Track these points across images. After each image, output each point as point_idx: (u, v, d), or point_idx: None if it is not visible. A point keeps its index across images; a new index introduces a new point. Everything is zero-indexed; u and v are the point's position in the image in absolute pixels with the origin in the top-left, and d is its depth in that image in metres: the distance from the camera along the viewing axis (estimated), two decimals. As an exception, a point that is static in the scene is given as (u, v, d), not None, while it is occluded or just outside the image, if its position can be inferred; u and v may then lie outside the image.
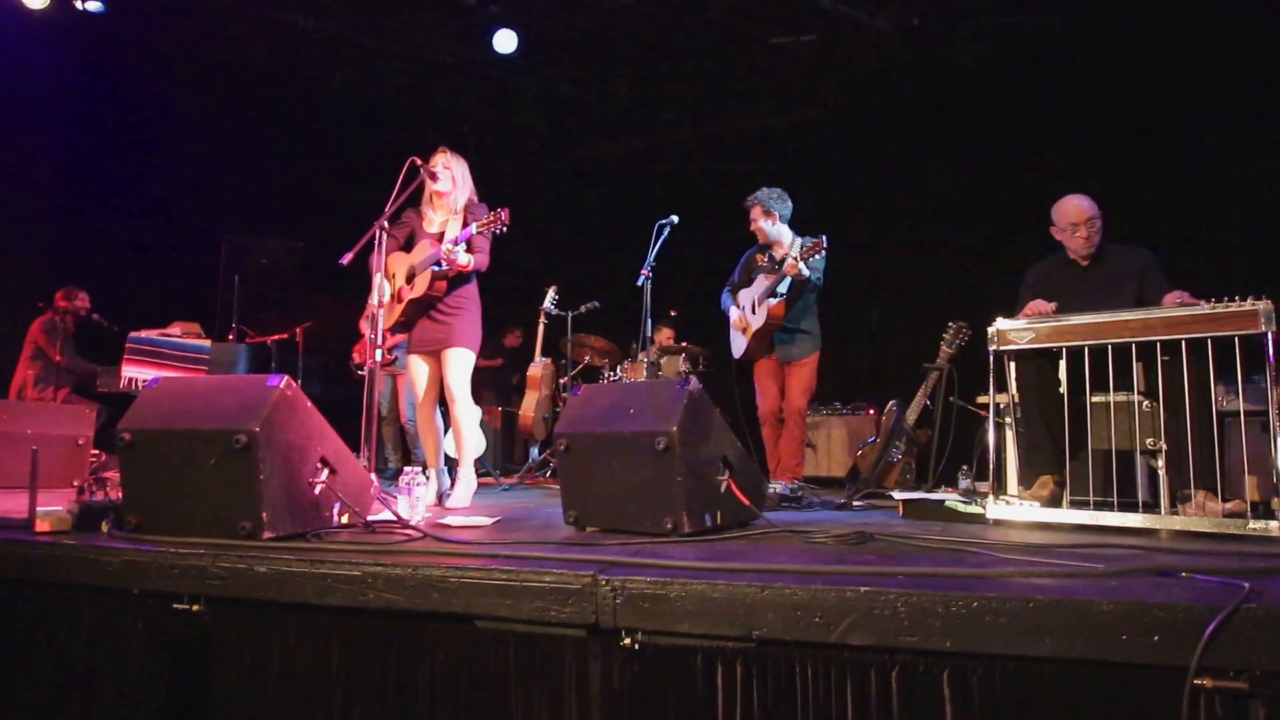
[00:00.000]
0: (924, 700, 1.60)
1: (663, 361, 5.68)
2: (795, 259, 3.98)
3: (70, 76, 6.36)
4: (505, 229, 3.38)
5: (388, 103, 7.14)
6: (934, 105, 6.40)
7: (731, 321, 4.43)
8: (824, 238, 3.98)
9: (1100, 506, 2.69)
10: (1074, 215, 3.24)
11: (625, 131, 7.58)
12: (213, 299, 6.17)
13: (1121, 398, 2.85)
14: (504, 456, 6.38)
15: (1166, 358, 2.62)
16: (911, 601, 1.58)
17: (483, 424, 5.39)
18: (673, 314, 6.31)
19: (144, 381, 5.02)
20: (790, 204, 4.32)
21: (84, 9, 5.75)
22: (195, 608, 2.12)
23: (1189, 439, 2.56)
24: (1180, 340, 2.57)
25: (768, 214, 4.27)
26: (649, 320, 4.54)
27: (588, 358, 6.24)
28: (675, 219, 4.50)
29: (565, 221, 7.73)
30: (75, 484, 3.91)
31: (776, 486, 3.87)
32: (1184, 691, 1.41)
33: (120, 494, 2.46)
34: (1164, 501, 2.67)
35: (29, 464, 2.54)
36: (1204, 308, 2.55)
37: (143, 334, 5.30)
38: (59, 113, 6.51)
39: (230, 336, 5.87)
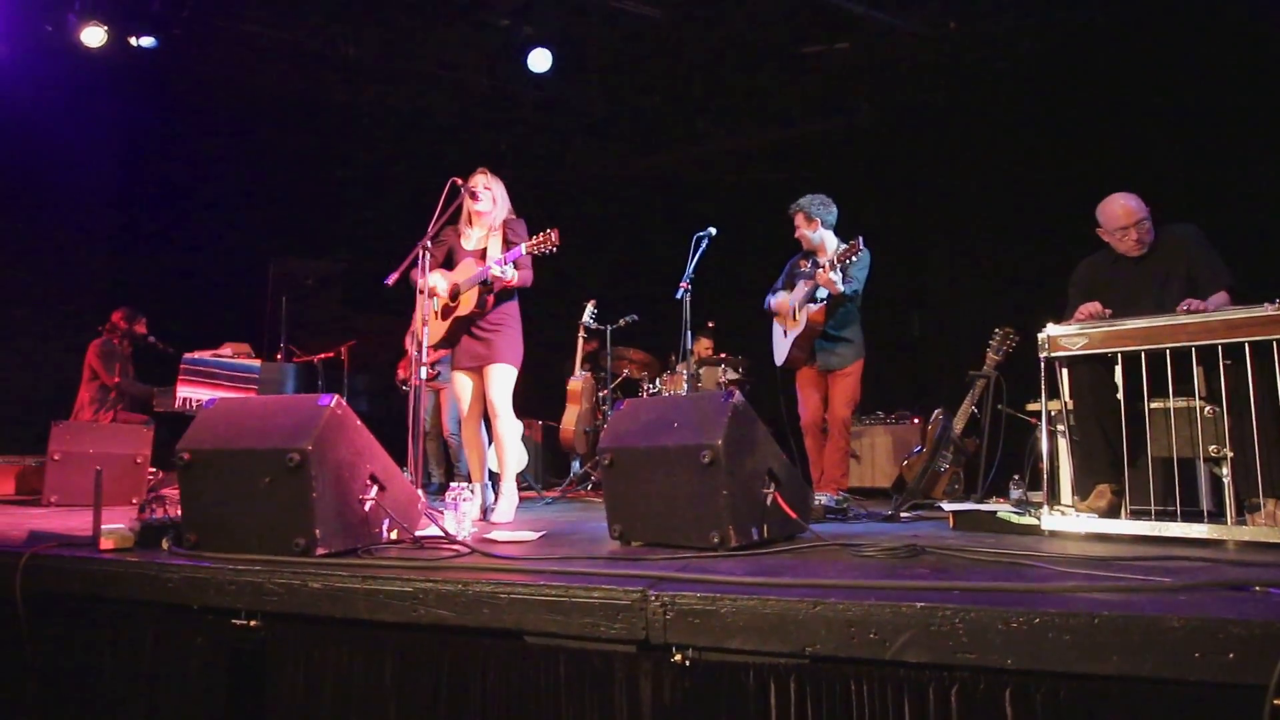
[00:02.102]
0: None
1: (702, 372, 5.67)
2: (826, 266, 3.94)
3: (125, 109, 6.62)
4: (555, 249, 3.41)
5: (426, 124, 7.28)
6: (972, 108, 6.31)
7: (774, 305, 4.37)
8: (860, 239, 3.91)
9: (1162, 517, 2.60)
10: (1122, 218, 3.14)
11: (660, 145, 7.61)
12: (261, 320, 6.35)
13: (1181, 403, 2.76)
14: (545, 470, 6.41)
15: (1229, 361, 2.53)
16: (970, 617, 1.55)
17: (524, 438, 5.45)
18: (711, 325, 6.30)
19: (198, 401, 5.19)
20: (834, 210, 4.29)
21: (138, 45, 5.98)
22: (253, 623, 2.16)
23: (1256, 445, 2.46)
24: (1243, 343, 2.48)
25: (809, 220, 4.24)
26: (688, 332, 4.53)
27: (627, 370, 6.26)
28: (713, 231, 4.49)
29: (603, 236, 7.77)
30: (135, 501, 4.04)
31: (821, 498, 3.83)
32: (1264, 712, 1.35)
33: (178, 511, 2.53)
34: (1230, 511, 2.56)
35: (92, 483, 2.63)
36: (1268, 309, 2.45)
37: (196, 355, 5.47)
38: (113, 144, 6.78)
39: (279, 356, 6.02)
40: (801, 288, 4.21)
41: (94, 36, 5.81)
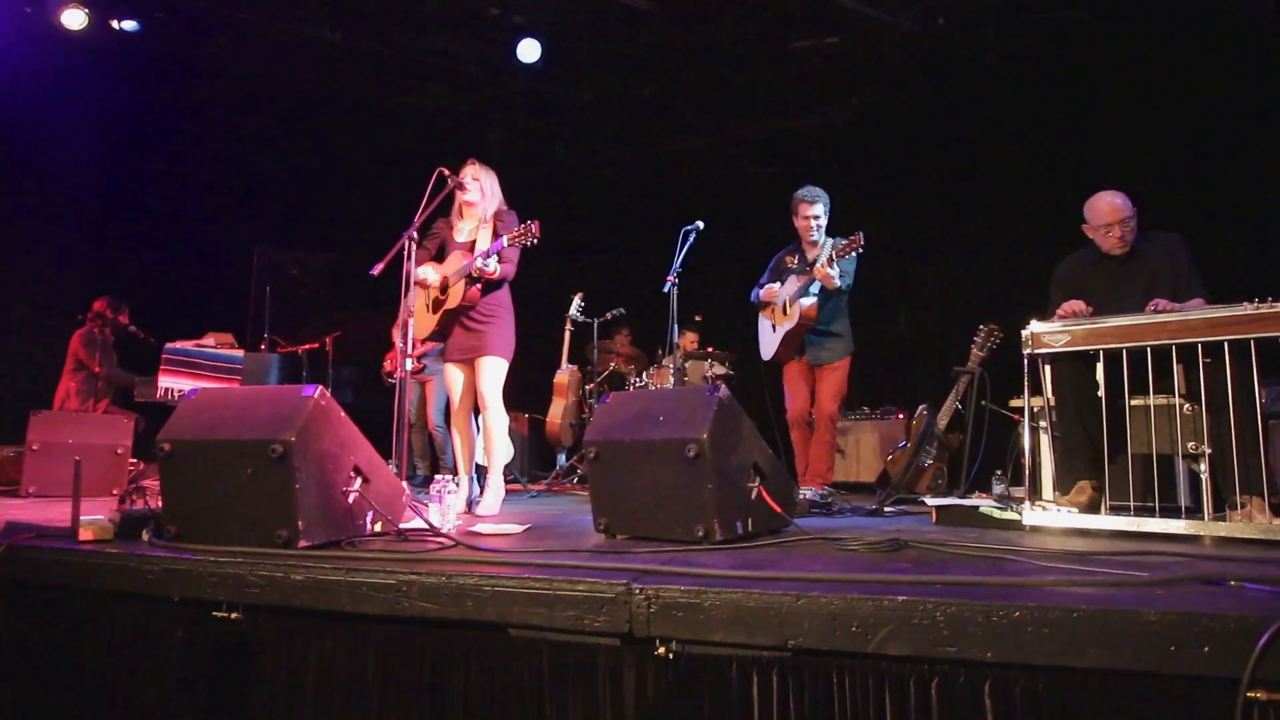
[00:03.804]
0: (965, 712, 1.57)
1: (688, 366, 5.67)
2: (825, 261, 3.93)
3: (106, 94, 6.52)
4: (536, 241, 3.41)
5: (414, 113, 7.22)
6: (961, 105, 6.33)
7: (763, 295, 4.33)
8: (860, 234, 3.90)
9: (1141, 512, 2.63)
10: (1108, 215, 3.17)
11: (649, 137, 7.59)
12: (245, 309, 6.29)
13: (1161, 400, 2.79)
14: (531, 463, 6.41)
15: (1208, 360, 2.56)
16: (950, 611, 1.56)
17: (510, 431, 5.43)
18: (698, 319, 6.30)
19: (180, 391, 5.13)
20: None
21: (120, 28, 5.89)
22: (234, 615, 2.15)
23: (1233, 443, 2.49)
24: (1223, 342, 2.51)
25: (827, 210, 4.22)
26: (675, 326, 4.53)
27: (613, 364, 6.25)
28: (701, 224, 4.48)
29: (590, 229, 7.75)
30: (115, 493, 4.00)
31: (806, 492, 3.84)
32: (1237, 705, 1.37)
33: (159, 502, 2.50)
34: (1207, 507, 2.60)
35: (71, 474, 2.60)
36: (1247, 308, 2.48)
37: (178, 345, 5.41)
38: (95, 129, 6.67)
39: (262, 346, 5.97)
40: (793, 282, 4.20)
41: (74, 19, 5.71)
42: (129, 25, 5.91)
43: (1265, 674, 1.37)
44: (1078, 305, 3.03)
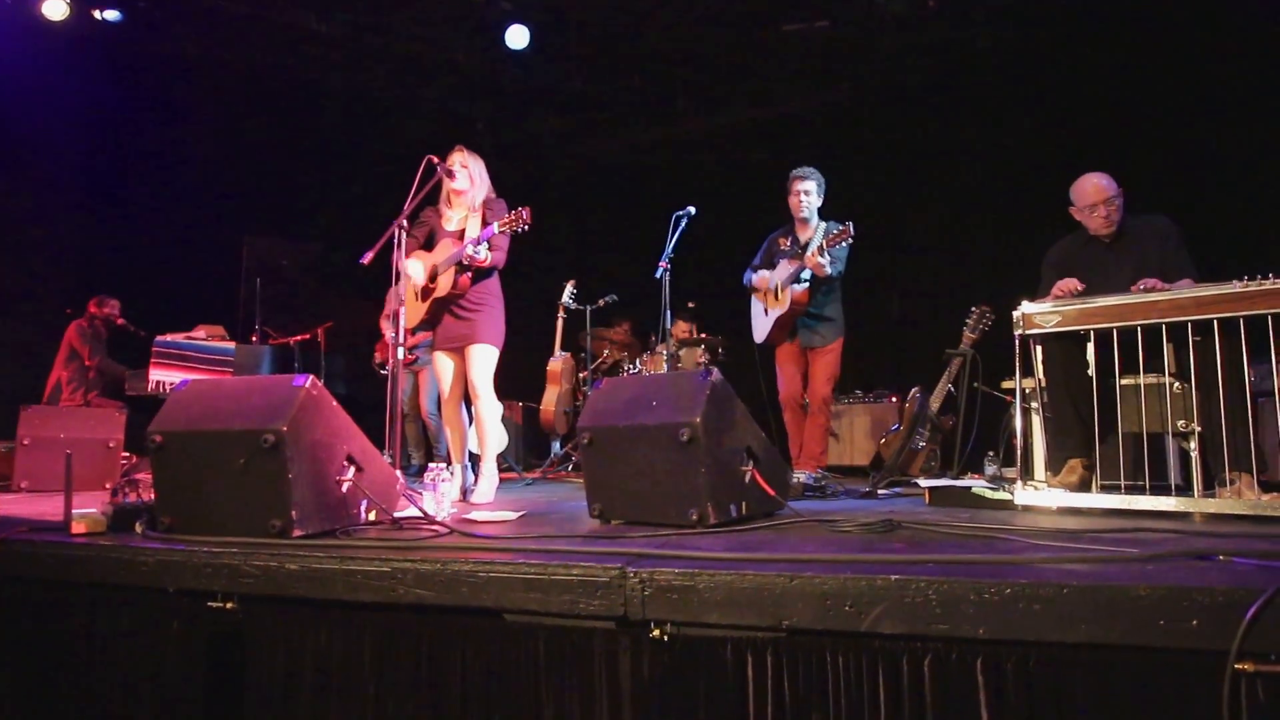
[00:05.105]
0: (957, 688, 1.59)
1: (681, 353, 5.67)
2: (815, 250, 3.93)
3: (91, 85, 6.45)
4: (527, 227, 3.39)
5: (402, 102, 7.17)
6: (952, 88, 6.31)
7: (754, 282, 4.34)
8: (850, 225, 3.91)
9: (1131, 490, 2.65)
10: (1092, 196, 3.17)
11: (639, 124, 7.55)
12: (235, 301, 6.26)
13: (1152, 379, 2.81)
14: (525, 451, 6.41)
15: (1198, 338, 2.57)
16: (943, 589, 1.57)
17: (504, 419, 5.43)
18: (691, 305, 6.30)
19: (171, 384, 5.11)
20: None
21: (103, 19, 5.82)
22: (229, 605, 2.15)
23: (1223, 421, 2.51)
24: (1212, 320, 2.52)
25: (820, 191, 4.23)
26: (668, 312, 4.52)
27: (607, 351, 6.25)
28: (692, 210, 4.47)
29: (582, 216, 7.72)
30: (108, 486, 3.98)
31: (800, 476, 3.85)
32: (1224, 677, 1.39)
33: (152, 495, 2.49)
34: (1197, 484, 2.62)
35: (63, 468, 2.59)
36: (1235, 286, 2.49)
37: (169, 338, 5.39)
38: (81, 121, 6.61)
39: (254, 338, 5.95)
40: (785, 267, 4.19)
41: (56, 9, 5.64)
42: (111, 15, 5.85)
43: (1253, 646, 1.38)
44: (1071, 284, 3.04)
